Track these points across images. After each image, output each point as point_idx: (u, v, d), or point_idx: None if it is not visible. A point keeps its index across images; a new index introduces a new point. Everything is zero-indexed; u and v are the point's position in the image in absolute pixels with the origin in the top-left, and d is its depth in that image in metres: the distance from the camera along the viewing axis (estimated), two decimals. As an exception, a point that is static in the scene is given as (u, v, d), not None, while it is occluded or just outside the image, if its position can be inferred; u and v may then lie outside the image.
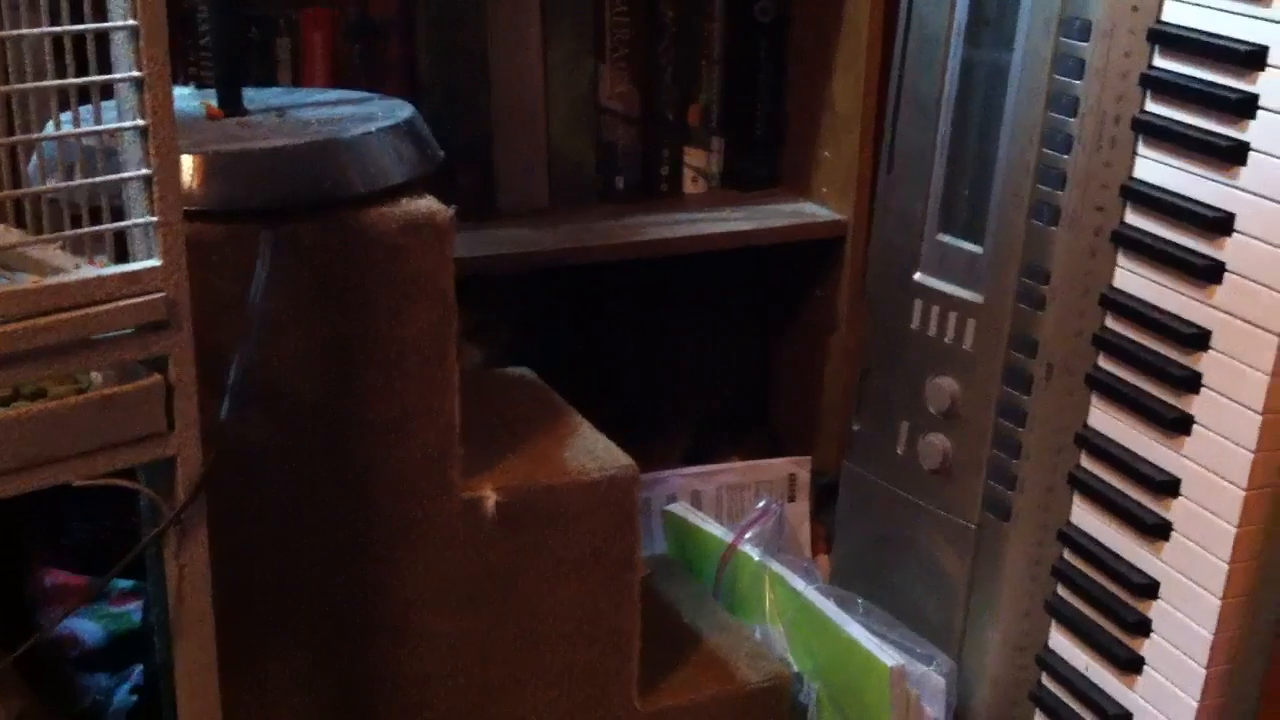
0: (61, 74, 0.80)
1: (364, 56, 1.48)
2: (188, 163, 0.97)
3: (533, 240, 1.50)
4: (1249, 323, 1.05)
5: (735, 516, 1.51)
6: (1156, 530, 1.14)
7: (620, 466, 1.17)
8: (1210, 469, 1.09)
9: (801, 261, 1.63)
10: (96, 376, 0.81)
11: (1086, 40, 1.17)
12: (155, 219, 0.80)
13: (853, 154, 1.56)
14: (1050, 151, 1.21)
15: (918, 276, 1.34)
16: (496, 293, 1.54)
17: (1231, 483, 1.08)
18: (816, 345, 1.65)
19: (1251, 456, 1.06)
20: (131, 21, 0.78)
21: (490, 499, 1.11)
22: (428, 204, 1.06)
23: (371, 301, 1.04)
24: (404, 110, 1.14)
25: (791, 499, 1.60)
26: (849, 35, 1.55)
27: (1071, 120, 1.19)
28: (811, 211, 1.61)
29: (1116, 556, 1.18)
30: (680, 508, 1.49)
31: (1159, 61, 1.13)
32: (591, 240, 1.51)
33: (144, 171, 0.79)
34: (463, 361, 1.11)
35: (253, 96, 1.15)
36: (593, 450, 1.18)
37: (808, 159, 1.63)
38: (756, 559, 1.38)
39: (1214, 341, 1.09)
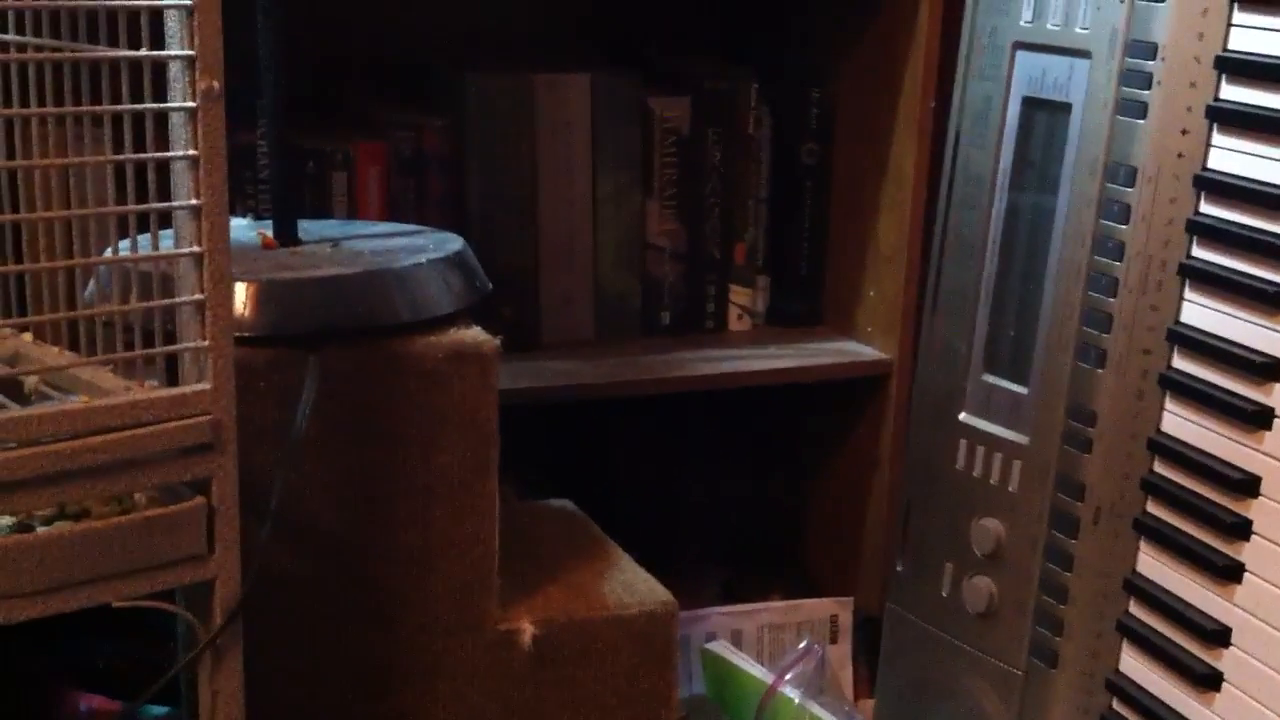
0: (121, 201, 0.82)
1: (416, 190, 1.51)
2: (240, 289, 0.99)
3: (576, 373, 1.51)
4: (1300, 470, 1.04)
5: (776, 657, 1.49)
6: (1208, 681, 1.11)
7: (660, 602, 1.15)
8: (1262, 618, 1.07)
9: (844, 399, 1.63)
10: (140, 497, 0.82)
11: (1132, 186, 1.18)
12: (206, 343, 0.81)
13: (896, 293, 1.57)
14: (1096, 295, 1.21)
15: (962, 416, 1.34)
16: (538, 424, 1.55)
17: (1285, 633, 1.05)
18: (858, 484, 1.63)
19: (1305, 607, 1.04)
20: (192, 151, 0.80)
21: (527, 631, 1.10)
22: (474, 334, 1.07)
23: (415, 429, 1.04)
24: (454, 243, 1.16)
25: (834, 640, 1.57)
26: (893, 176, 1.56)
27: (1117, 264, 1.19)
28: (855, 350, 1.61)
29: (1167, 708, 1.15)
30: (720, 646, 1.47)
31: (1205, 207, 1.13)
32: (635, 374, 1.52)
33: (198, 296, 0.81)
34: (502, 492, 1.10)
35: (308, 228, 1.17)
36: (632, 585, 1.17)
37: (852, 297, 1.64)
38: (797, 702, 1.35)
39: (1264, 488, 1.07)
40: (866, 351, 1.60)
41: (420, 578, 1.06)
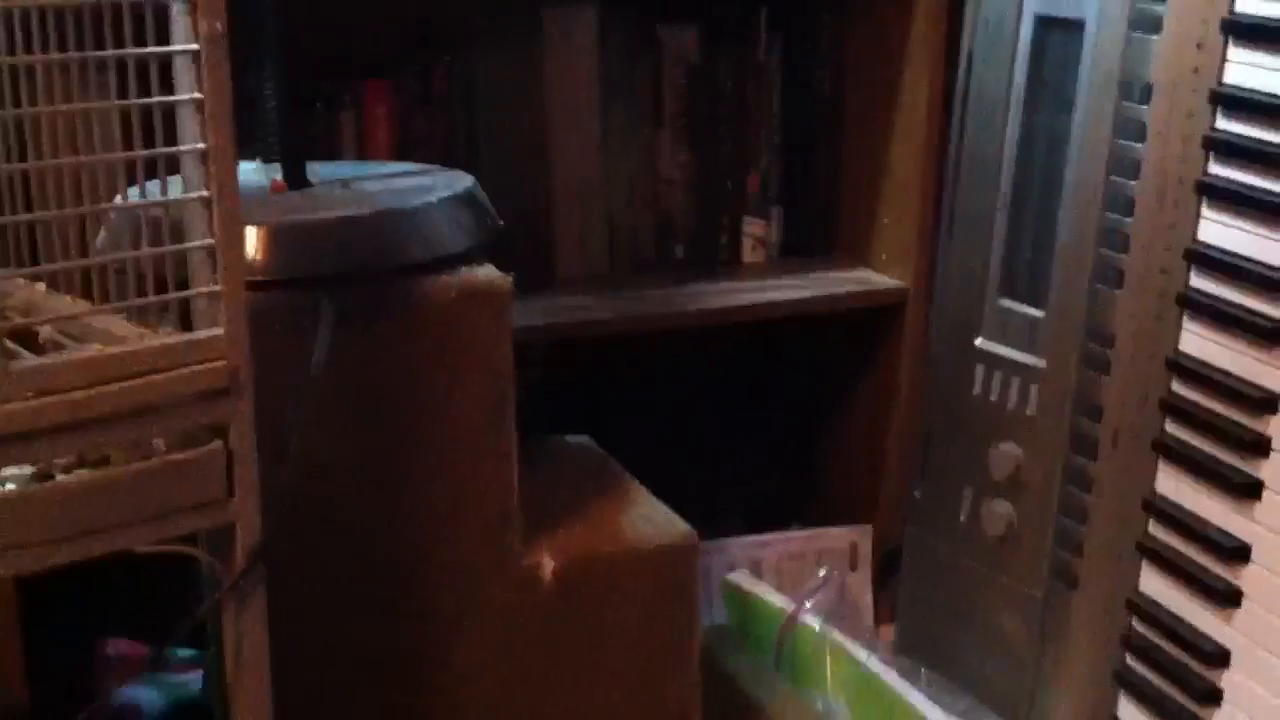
0: (129, 148, 0.81)
1: (425, 129, 1.50)
2: (251, 233, 0.99)
3: (591, 309, 1.51)
4: (1319, 386, 1.04)
5: (796, 586, 1.49)
6: (1228, 598, 1.11)
7: (680, 534, 1.16)
8: (1282, 536, 1.07)
9: (862, 328, 1.62)
10: (159, 443, 0.82)
11: (1147, 103, 1.17)
12: (218, 288, 0.81)
13: (912, 219, 1.56)
14: (1112, 214, 1.20)
15: (979, 342, 1.33)
16: (555, 360, 1.55)
17: (1305, 552, 1.05)
18: (877, 412, 1.63)
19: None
20: (197, 95, 0.79)
21: (549, 566, 1.10)
22: (486, 272, 1.06)
23: (431, 368, 1.04)
24: (464, 181, 1.15)
25: (853, 568, 1.58)
26: (906, 101, 1.55)
27: (1133, 183, 1.18)
28: (871, 278, 1.60)
29: (1187, 625, 1.15)
30: (740, 576, 1.47)
31: (1221, 124, 1.12)
32: (650, 309, 1.51)
33: (208, 241, 0.81)
34: (520, 429, 1.11)
35: (317, 170, 1.17)
36: (652, 518, 1.18)
37: (867, 226, 1.63)
38: (818, 629, 1.36)
39: (1283, 405, 1.07)
40: (882, 280, 1.60)
41: (442, 517, 1.07)
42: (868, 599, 1.58)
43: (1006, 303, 1.31)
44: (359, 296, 1.02)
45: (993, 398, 1.32)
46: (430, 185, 1.13)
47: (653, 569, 1.14)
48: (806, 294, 1.56)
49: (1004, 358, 1.31)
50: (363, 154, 1.48)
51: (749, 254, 1.66)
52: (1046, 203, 1.27)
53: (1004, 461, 1.30)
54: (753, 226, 1.65)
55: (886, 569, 1.57)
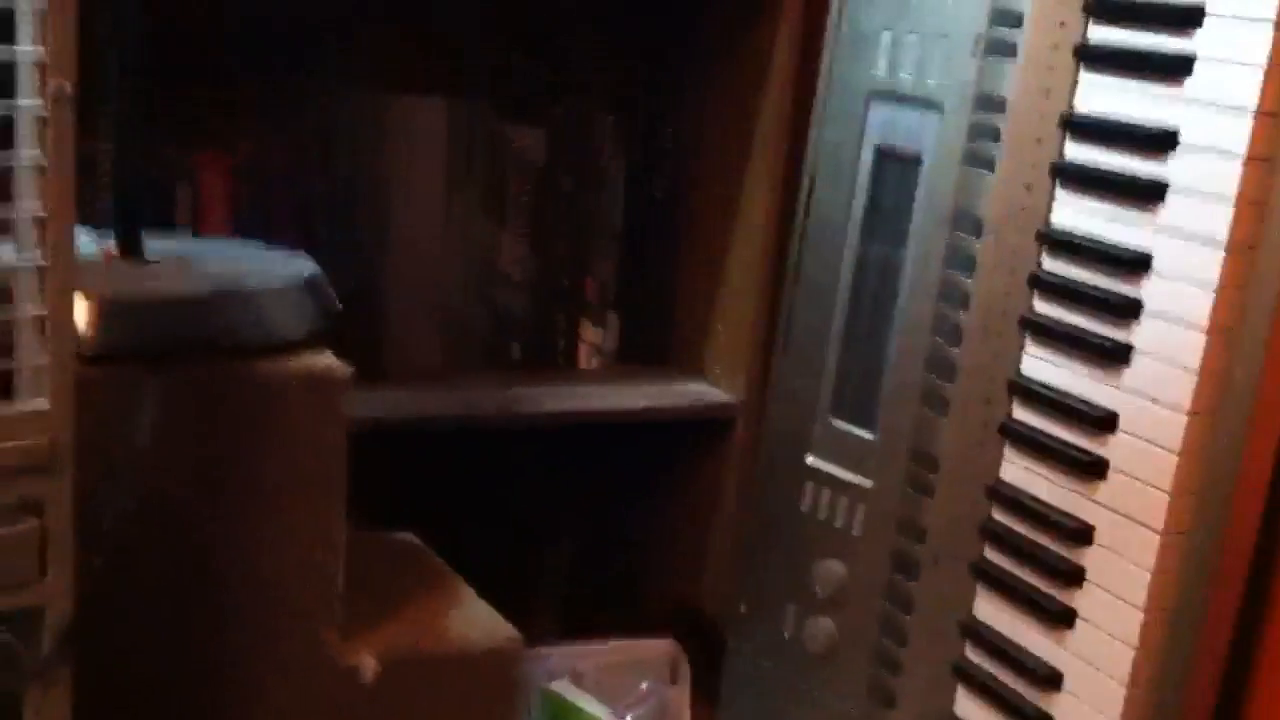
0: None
1: (264, 206, 1.47)
2: (81, 304, 0.95)
3: (422, 403, 1.48)
4: (1132, 519, 1.08)
5: (616, 697, 1.48)
6: (1039, 724, 1.14)
7: (504, 638, 1.14)
8: (1093, 663, 1.10)
9: (692, 439, 1.63)
10: (-33, 519, 0.77)
11: (978, 237, 1.21)
12: (46, 360, 0.77)
13: (747, 334, 1.58)
14: (941, 343, 1.24)
15: (810, 460, 1.35)
16: (381, 455, 1.51)
17: (1113, 678, 1.08)
18: (702, 524, 1.64)
19: (1133, 653, 1.07)
20: (35, 152, 0.76)
21: (370, 665, 1.07)
22: (325, 359, 1.04)
23: (263, 455, 1.01)
24: (305, 264, 1.13)
25: (673, 681, 1.57)
26: (744, 217, 1.58)
27: (962, 314, 1.22)
28: (703, 391, 1.62)
29: (999, 750, 1.18)
30: (561, 686, 1.45)
31: (1047, 263, 1.17)
32: (482, 408, 1.50)
33: (38, 311, 0.77)
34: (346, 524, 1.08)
35: (153, 241, 1.13)
36: (476, 620, 1.16)
37: (702, 338, 1.65)
38: (636, 741, 1.34)
39: (1098, 537, 1.10)
40: (715, 393, 1.61)
41: (262, 608, 1.03)
42: (686, 713, 1.57)
43: (838, 423, 1.34)
44: (191, 377, 0.98)
45: (820, 515, 1.33)
46: (271, 266, 1.11)
47: (476, 672, 1.12)
48: (639, 404, 1.57)
49: (833, 476, 1.33)
50: (197, 225, 1.44)
51: (584, 359, 1.66)
52: (879, 327, 1.30)
53: (828, 579, 1.31)
54: (589, 332, 1.66)
55: (708, 683, 1.56)
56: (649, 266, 1.67)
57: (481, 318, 1.60)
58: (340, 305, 1.13)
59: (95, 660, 0.82)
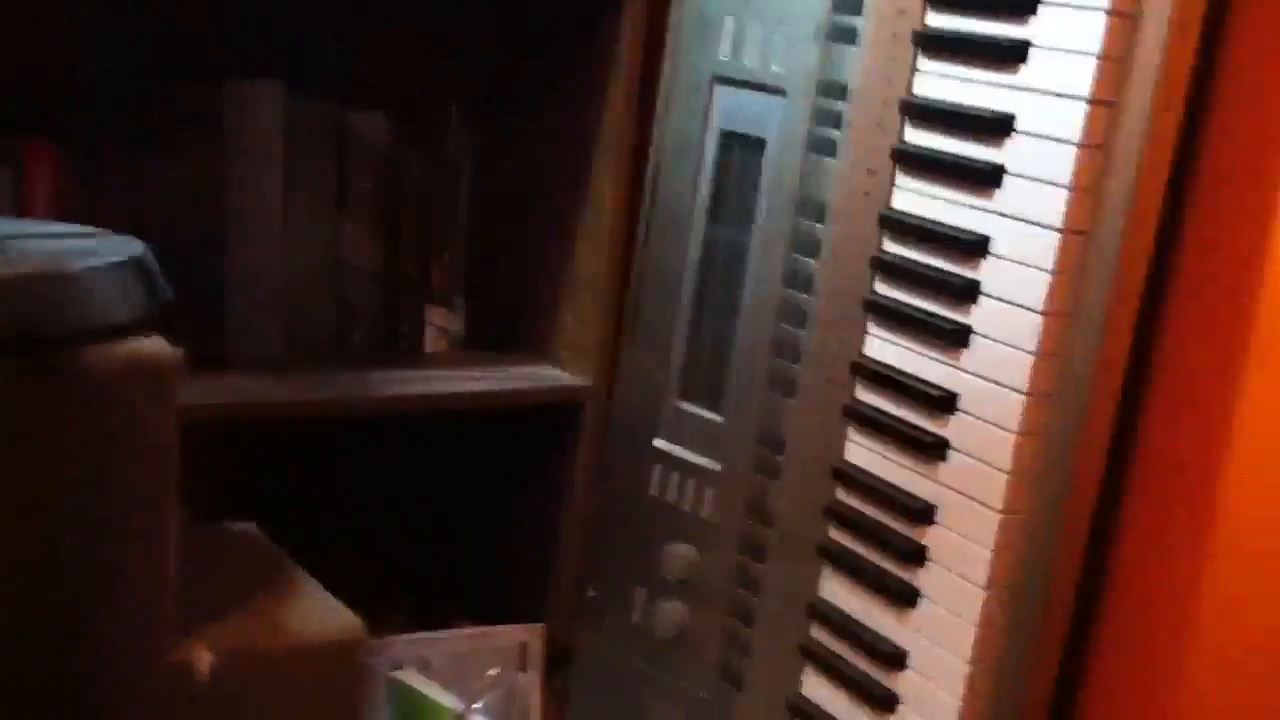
0: None
1: (93, 195, 1.42)
2: (-114, 289, 0.90)
3: (262, 392, 1.45)
4: (972, 499, 1.09)
5: (465, 685, 1.46)
6: (884, 702, 1.15)
7: (345, 628, 1.12)
8: (936, 641, 1.12)
9: (541, 424, 1.62)
10: None
11: (822, 221, 1.22)
12: None
13: (595, 319, 1.57)
14: (786, 326, 1.24)
15: (657, 443, 1.35)
16: (221, 444, 1.47)
17: (957, 655, 1.10)
18: (552, 509, 1.63)
19: (975, 630, 1.09)
20: None
21: (205, 661, 1.03)
22: (154, 344, 1.00)
23: (88, 443, 0.97)
24: (133, 247, 1.08)
25: (523, 668, 1.55)
26: (593, 204, 1.57)
27: (806, 297, 1.23)
28: (552, 375, 1.61)
29: (845, 728, 1.19)
30: (408, 674, 1.43)
31: (888, 246, 1.18)
32: (325, 395, 1.46)
33: None
34: (181, 515, 1.04)
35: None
36: (317, 611, 1.13)
37: (551, 323, 1.64)
38: (485, 730, 1.33)
39: (939, 516, 1.12)
40: (563, 377, 1.60)
41: (92, 607, 0.99)
42: (537, 700, 1.55)
43: (686, 406, 1.34)
44: (7, 366, 0.94)
45: (669, 498, 1.33)
46: (95, 249, 1.06)
47: (315, 664, 1.09)
48: (486, 387, 1.55)
49: (682, 459, 1.33)
50: (20, 215, 1.39)
51: (431, 344, 1.63)
52: (726, 311, 1.31)
53: (677, 562, 1.32)
54: (435, 316, 1.63)
55: (558, 669, 1.55)
56: (497, 253, 1.65)
57: (325, 305, 1.57)
58: (171, 291, 1.08)
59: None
